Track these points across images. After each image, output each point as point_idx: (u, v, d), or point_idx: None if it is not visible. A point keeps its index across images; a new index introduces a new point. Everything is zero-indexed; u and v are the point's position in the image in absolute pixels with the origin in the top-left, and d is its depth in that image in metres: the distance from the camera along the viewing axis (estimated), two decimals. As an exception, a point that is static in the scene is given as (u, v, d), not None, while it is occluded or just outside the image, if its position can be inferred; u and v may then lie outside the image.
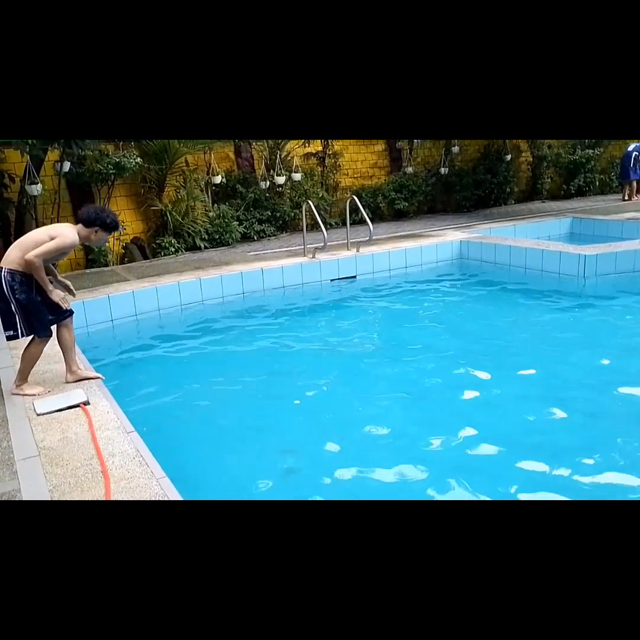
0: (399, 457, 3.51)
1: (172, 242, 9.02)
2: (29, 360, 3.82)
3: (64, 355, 3.93)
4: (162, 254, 8.91)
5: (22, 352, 3.84)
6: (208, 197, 9.81)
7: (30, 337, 3.78)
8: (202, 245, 9.33)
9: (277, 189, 10.53)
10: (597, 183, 13.89)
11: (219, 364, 5.22)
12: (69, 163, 7.87)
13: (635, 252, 7.34)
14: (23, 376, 3.83)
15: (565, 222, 10.44)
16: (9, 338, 3.74)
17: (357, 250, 8.27)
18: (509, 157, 12.60)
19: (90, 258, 8.42)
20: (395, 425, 3.94)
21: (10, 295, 3.60)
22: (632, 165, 12.40)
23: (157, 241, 9.06)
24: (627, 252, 7.32)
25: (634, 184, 12.67)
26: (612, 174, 14.09)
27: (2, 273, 3.60)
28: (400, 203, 11.70)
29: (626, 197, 12.59)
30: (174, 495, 2.47)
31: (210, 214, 9.62)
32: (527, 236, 9.29)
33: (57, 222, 7.99)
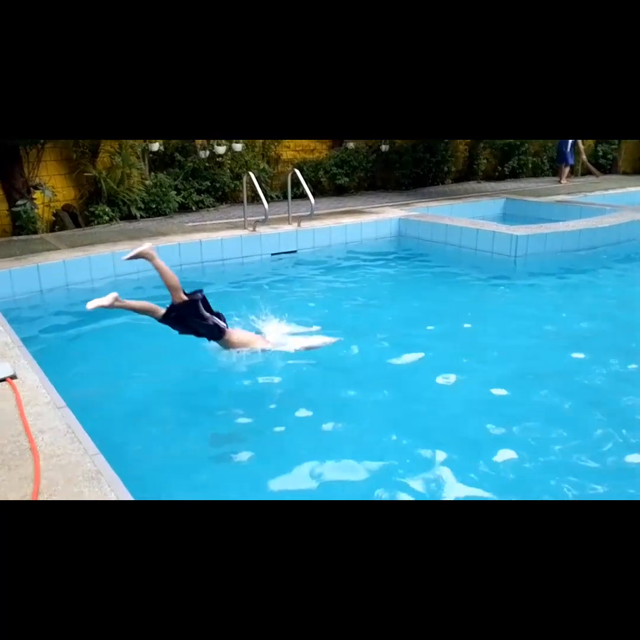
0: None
1: (106, 210, 8.69)
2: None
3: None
4: (96, 223, 8.58)
5: None
6: (145, 164, 9.49)
7: None
8: (138, 215, 9.04)
9: (217, 159, 10.29)
10: (530, 165, 14.35)
11: (155, 336, 5.11)
12: (-7, 122, 7.39)
13: (563, 234, 7.68)
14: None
15: (499, 203, 10.75)
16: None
17: (299, 225, 8.25)
18: (448, 136, 12.78)
19: (18, 225, 8.00)
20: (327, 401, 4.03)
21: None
22: (569, 149, 12.89)
23: (90, 209, 8.71)
24: (556, 233, 7.65)
25: (568, 168, 13.19)
26: (544, 156, 14.58)
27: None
28: (342, 179, 11.70)
29: (564, 180, 13.09)
30: (108, 473, 2.43)
31: (147, 182, 9.32)
32: (463, 215, 9.52)
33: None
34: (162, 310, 4.01)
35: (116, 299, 3.86)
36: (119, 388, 4.22)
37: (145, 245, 4.04)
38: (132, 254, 4.01)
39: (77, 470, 2.45)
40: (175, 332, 4.25)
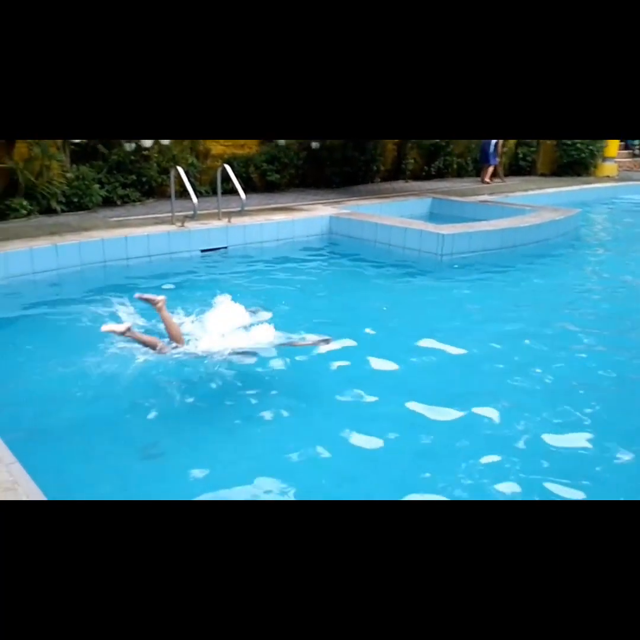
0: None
1: (24, 203, 8.24)
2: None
3: None
4: (11, 217, 8.11)
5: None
6: (66, 156, 9.06)
7: None
8: (59, 209, 8.62)
9: (144, 152, 9.98)
10: (455, 166, 14.79)
11: (62, 335, 4.89)
12: None
13: (487, 233, 7.97)
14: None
15: (426, 202, 11.01)
16: None
17: (229, 221, 8.13)
18: (377, 135, 12.95)
19: None
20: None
21: None
22: (491, 150, 13.37)
23: (6, 202, 8.22)
24: (480, 232, 7.93)
25: (491, 168, 13.69)
26: (468, 157, 15.07)
27: None
28: (272, 175, 11.63)
29: (487, 180, 13.57)
30: (26, 482, 2.30)
31: (68, 174, 8.91)
32: (391, 214, 9.69)
33: None
34: (168, 350, 4.18)
35: (128, 329, 4.07)
36: (37, 392, 4.00)
37: (160, 297, 4.35)
38: (145, 296, 4.39)
39: (-8, 481, 2.31)
40: (95, 332, 4.23)
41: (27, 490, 2.25)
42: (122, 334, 4.07)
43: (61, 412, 3.77)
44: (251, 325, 4.32)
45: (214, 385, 4.10)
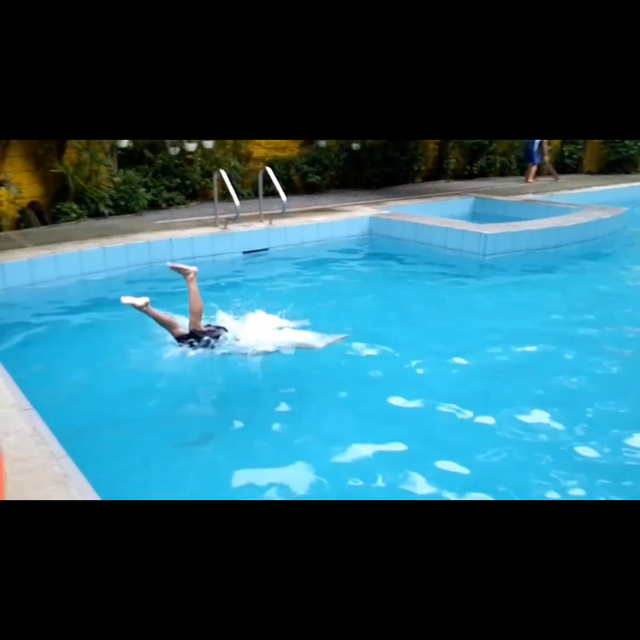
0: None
1: (74, 207, 8.54)
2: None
3: None
4: (62, 220, 8.42)
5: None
6: (113, 161, 9.34)
7: None
8: (106, 212, 8.90)
9: (187, 156, 10.20)
10: (498, 165, 14.56)
11: (120, 334, 5.03)
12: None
13: (530, 233, 7.83)
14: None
15: (468, 202, 10.88)
16: None
17: (270, 223, 8.22)
18: (418, 135, 12.87)
19: (-19, 222, 7.81)
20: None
21: None
22: (536, 149, 13.11)
23: (57, 206, 8.54)
24: (523, 232, 7.79)
25: (534, 167, 13.42)
26: (512, 156, 14.80)
27: None
28: (313, 177, 11.70)
29: (531, 179, 13.32)
30: (76, 476, 2.40)
31: (116, 179, 9.18)
32: (432, 214, 9.60)
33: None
34: (182, 330, 4.21)
35: (147, 304, 4.11)
36: (87, 388, 4.16)
37: (193, 268, 4.40)
38: (178, 265, 4.41)
39: (44, 473, 2.41)
40: (142, 331, 4.28)
41: (77, 483, 2.35)
42: (141, 308, 4.12)
43: (109, 409, 3.90)
44: (283, 327, 4.38)
45: (254, 385, 4.17)
